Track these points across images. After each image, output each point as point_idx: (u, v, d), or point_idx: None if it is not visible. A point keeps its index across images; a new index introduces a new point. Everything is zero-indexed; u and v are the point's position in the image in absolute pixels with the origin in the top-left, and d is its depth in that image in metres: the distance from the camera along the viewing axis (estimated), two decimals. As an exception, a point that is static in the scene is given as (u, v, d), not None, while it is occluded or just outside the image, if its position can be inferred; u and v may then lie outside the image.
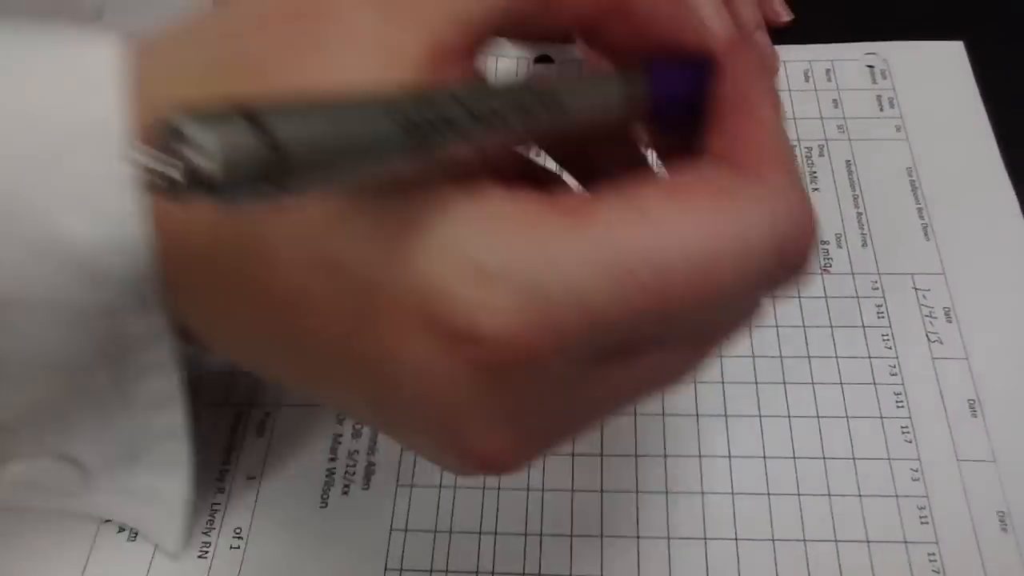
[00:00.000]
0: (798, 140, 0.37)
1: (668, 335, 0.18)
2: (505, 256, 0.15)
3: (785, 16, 0.41)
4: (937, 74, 0.39)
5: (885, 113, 0.37)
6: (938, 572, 0.27)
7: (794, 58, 0.40)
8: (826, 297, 0.33)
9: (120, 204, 0.17)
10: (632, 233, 0.16)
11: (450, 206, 0.16)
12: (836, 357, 0.31)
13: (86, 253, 0.18)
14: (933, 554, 0.27)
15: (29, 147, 0.17)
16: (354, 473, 0.29)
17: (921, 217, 0.34)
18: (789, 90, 0.39)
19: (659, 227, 0.16)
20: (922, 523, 0.28)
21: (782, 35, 0.40)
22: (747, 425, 0.30)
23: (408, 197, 0.16)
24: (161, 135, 0.10)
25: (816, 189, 0.35)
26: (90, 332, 0.19)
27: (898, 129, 0.37)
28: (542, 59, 0.40)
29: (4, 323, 0.19)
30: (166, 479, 0.25)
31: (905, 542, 0.27)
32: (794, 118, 0.38)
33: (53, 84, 0.18)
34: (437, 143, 0.14)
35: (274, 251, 0.17)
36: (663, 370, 0.19)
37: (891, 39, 0.40)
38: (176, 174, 0.10)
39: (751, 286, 0.17)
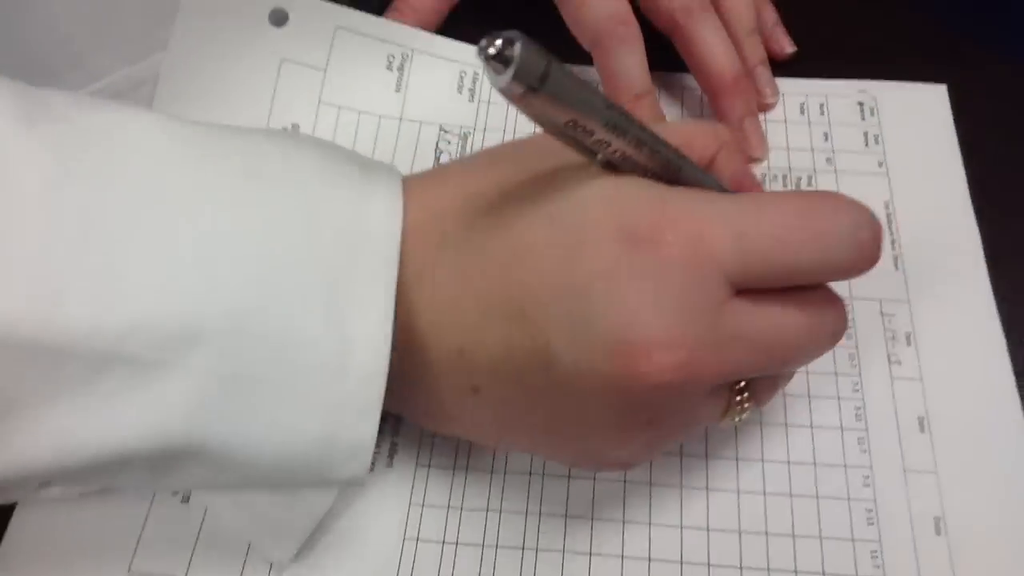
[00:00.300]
0: (790, 169, 0.41)
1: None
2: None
3: (789, 48, 0.45)
4: (920, 115, 0.42)
5: (870, 148, 0.41)
6: (879, 567, 0.31)
7: (792, 91, 0.43)
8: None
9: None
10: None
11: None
12: (807, 372, 0.36)
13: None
14: (875, 552, 0.32)
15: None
16: (379, 452, 0.34)
17: (892, 248, 0.38)
18: (786, 121, 0.42)
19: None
20: (868, 524, 0.32)
21: (783, 68, 0.44)
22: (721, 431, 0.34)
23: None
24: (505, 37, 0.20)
25: (802, 217, 0.39)
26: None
27: (880, 164, 0.41)
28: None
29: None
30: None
31: (852, 540, 0.32)
32: (787, 148, 0.42)
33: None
34: (621, 132, 0.24)
35: None
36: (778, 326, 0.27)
37: (882, 79, 0.44)
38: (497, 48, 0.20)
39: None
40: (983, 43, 0.45)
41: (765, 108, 0.43)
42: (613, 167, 0.26)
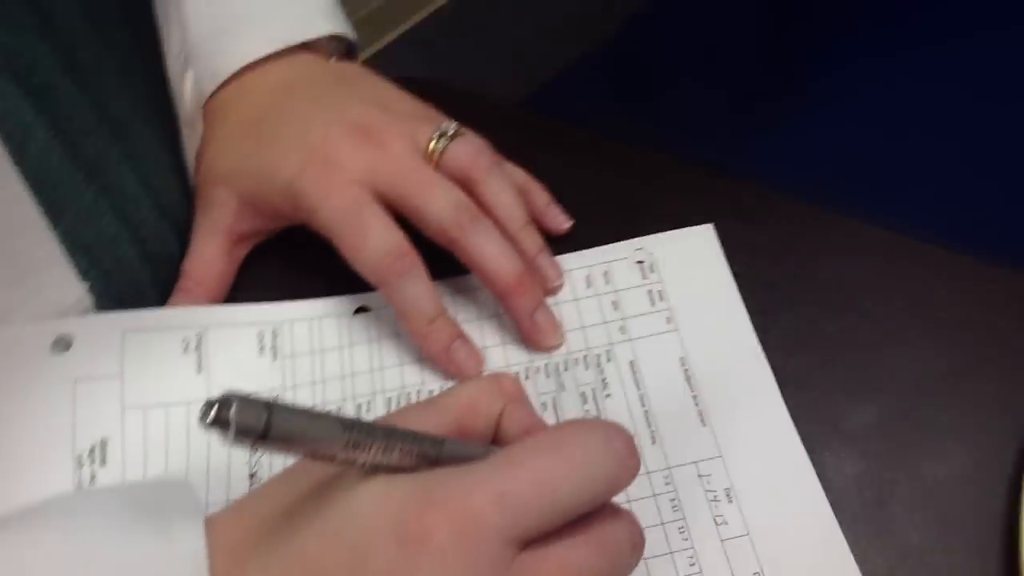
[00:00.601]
0: (587, 349, 0.43)
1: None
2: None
3: (566, 224, 0.47)
4: (694, 259, 0.45)
5: (656, 307, 0.44)
6: None
7: (575, 265, 0.45)
8: (629, 501, 0.38)
9: None
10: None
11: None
12: (645, 560, 0.37)
13: None
14: None
15: None
16: None
17: (696, 404, 0.40)
18: (576, 299, 0.44)
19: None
20: None
21: (561, 244, 0.46)
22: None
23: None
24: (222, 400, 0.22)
25: (608, 395, 0.41)
26: None
27: (668, 321, 0.43)
28: (361, 309, 0.45)
29: None
30: None
31: None
32: (582, 327, 0.43)
33: None
34: (365, 447, 0.25)
35: None
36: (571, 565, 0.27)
37: (656, 230, 0.46)
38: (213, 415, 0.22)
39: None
40: (741, 175, 0.48)
41: (553, 292, 0.45)
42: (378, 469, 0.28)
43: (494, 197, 0.43)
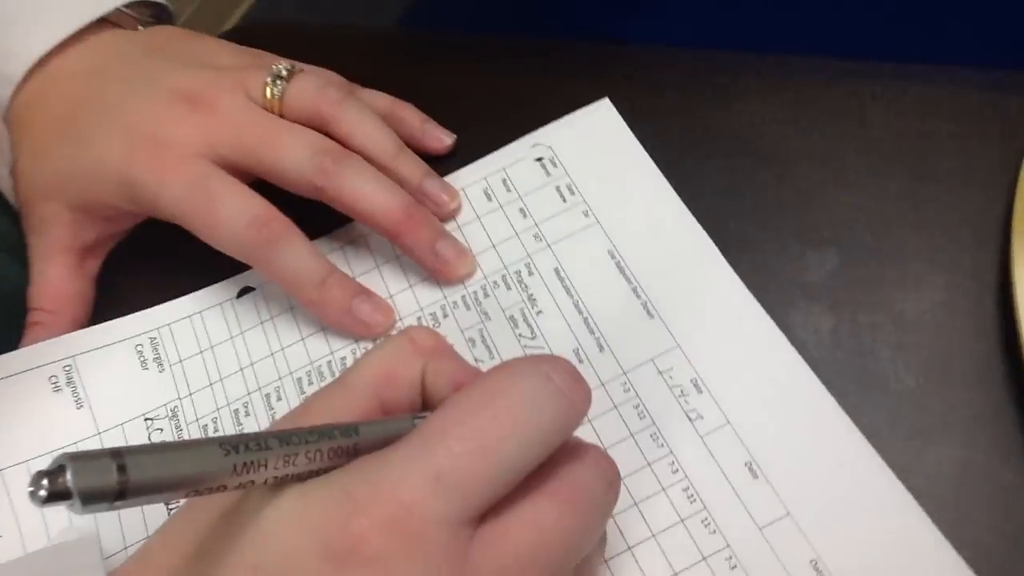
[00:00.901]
0: (505, 268, 0.38)
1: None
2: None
3: (448, 139, 0.42)
4: (598, 140, 0.40)
5: (568, 203, 0.38)
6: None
7: (469, 180, 0.40)
8: (590, 421, 0.34)
9: None
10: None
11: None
12: (622, 478, 0.32)
13: None
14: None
15: None
16: None
17: (638, 296, 0.36)
18: (478, 217, 0.39)
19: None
20: (753, 612, 0.29)
21: (453, 161, 0.41)
22: None
23: None
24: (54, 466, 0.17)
25: (540, 312, 0.36)
26: None
27: (586, 215, 0.38)
28: (245, 291, 0.40)
29: None
30: None
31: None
32: (494, 246, 0.38)
33: None
34: (259, 465, 0.21)
35: None
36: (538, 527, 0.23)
37: (552, 118, 0.41)
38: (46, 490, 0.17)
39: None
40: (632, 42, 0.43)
41: (451, 216, 0.39)
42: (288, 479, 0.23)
43: (354, 128, 0.38)
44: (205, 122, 0.36)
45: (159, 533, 0.26)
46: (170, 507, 0.34)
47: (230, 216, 0.35)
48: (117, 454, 0.18)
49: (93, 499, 0.18)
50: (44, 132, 0.39)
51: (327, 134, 0.37)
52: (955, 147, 0.36)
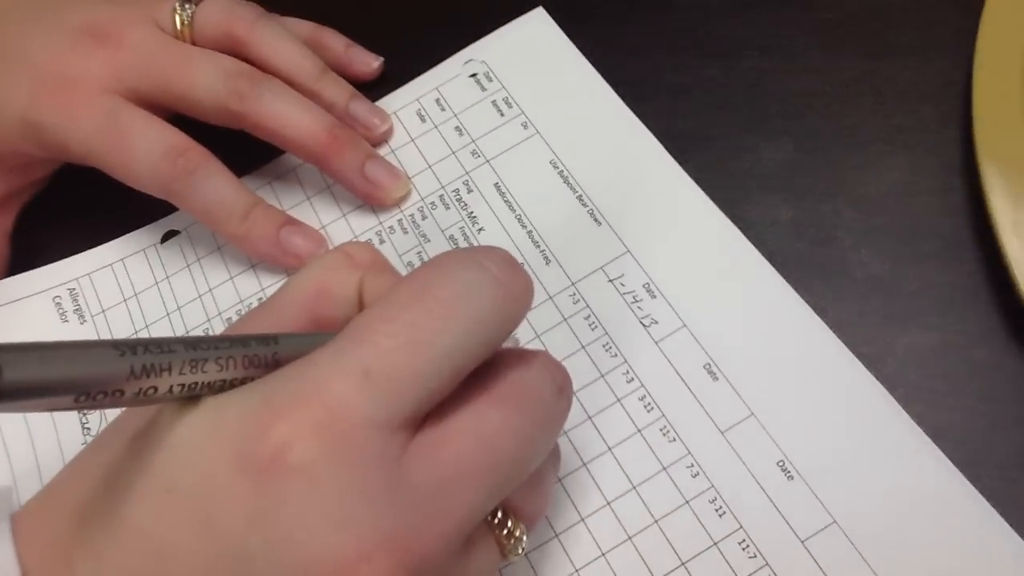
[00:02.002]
0: (443, 188, 0.35)
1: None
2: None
3: (375, 62, 0.39)
4: (534, 50, 0.38)
5: (506, 117, 0.36)
6: (748, 550, 0.26)
7: (401, 103, 0.38)
8: (538, 336, 0.31)
9: None
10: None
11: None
12: (575, 394, 0.30)
13: None
14: (744, 542, 0.27)
15: None
16: None
17: (583, 204, 0.34)
18: (412, 139, 0.37)
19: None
20: (720, 515, 0.27)
21: (378, 86, 0.38)
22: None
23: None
24: None
25: (482, 229, 0.34)
26: None
27: (525, 127, 0.36)
28: (169, 235, 0.37)
29: None
30: None
31: (709, 537, 0.27)
32: (430, 167, 0.36)
33: None
34: (162, 369, 0.18)
35: None
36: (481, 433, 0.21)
37: (484, 30, 0.38)
38: None
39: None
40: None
41: (383, 139, 0.37)
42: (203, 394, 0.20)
43: (271, 50, 0.35)
44: (112, 56, 0.34)
45: (66, 467, 0.24)
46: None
47: (144, 149, 0.33)
48: None
49: None
50: None
51: (243, 59, 0.35)
52: (908, 21, 0.34)
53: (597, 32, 0.37)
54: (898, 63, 0.34)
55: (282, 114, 0.34)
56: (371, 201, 0.35)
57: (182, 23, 0.35)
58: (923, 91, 0.33)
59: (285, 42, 0.35)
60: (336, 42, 0.39)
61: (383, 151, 0.37)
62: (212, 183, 0.33)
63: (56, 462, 0.32)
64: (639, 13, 0.38)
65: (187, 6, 0.35)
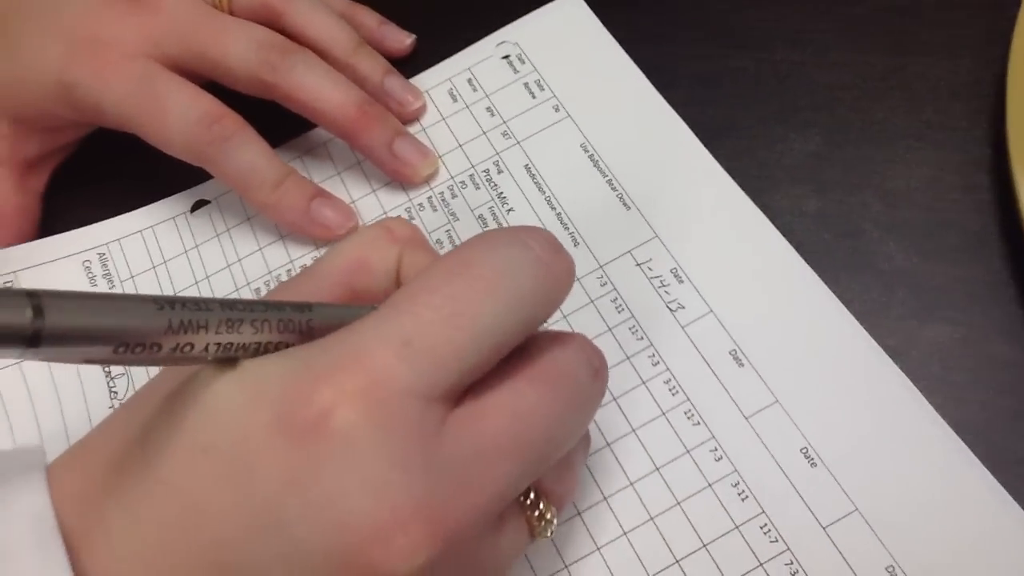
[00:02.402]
0: (473, 168, 0.36)
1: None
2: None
3: (407, 40, 0.39)
4: (567, 34, 0.38)
5: (538, 99, 0.36)
6: (769, 535, 0.27)
7: (433, 82, 0.38)
8: (565, 317, 0.32)
9: None
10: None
11: None
12: (599, 375, 0.30)
13: None
14: (766, 526, 0.27)
15: None
16: None
17: (613, 188, 0.34)
18: (444, 118, 0.37)
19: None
20: (742, 500, 0.28)
21: (411, 65, 0.38)
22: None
23: None
24: None
25: (511, 210, 0.34)
26: None
27: (556, 109, 0.36)
28: (200, 204, 0.38)
29: None
30: None
31: (733, 522, 0.27)
32: (460, 146, 0.36)
33: None
34: (199, 327, 0.18)
35: None
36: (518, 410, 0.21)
37: (517, 13, 0.39)
38: None
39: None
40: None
41: (415, 116, 0.37)
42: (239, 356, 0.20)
43: (307, 21, 0.35)
44: (147, 20, 0.34)
45: (99, 425, 0.24)
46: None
47: (179, 114, 0.33)
48: (34, 295, 0.16)
49: (3, 340, 0.16)
50: None
51: (279, 30, 0.35)
52: (940, 19, 0.34)
53: (629, 18, 0.37)
54: (928, 60, 0.34)
55: (313, 87, 0.34)
56: (398, 178, 0.35)
57: None
58: (952, 88, 0.33)
59: (321, 14, 0.36)
60: (369, 18, 0.39)
61: (414, 129, 0.37)
62: (246, 150, 0.34)
63: (84, 426, 0.33)
64: (671, 1, 0.38)
65: None
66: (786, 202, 0.32)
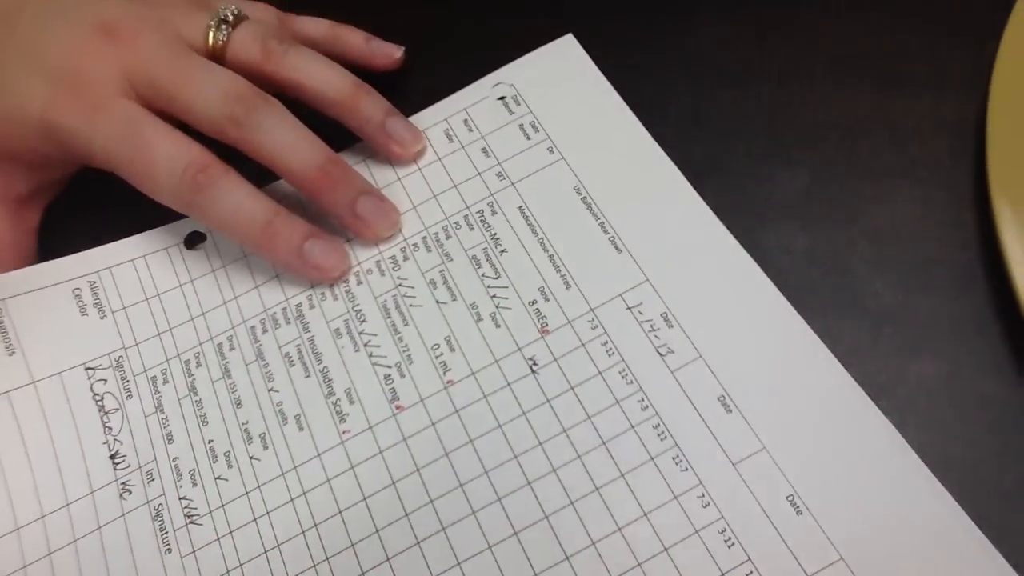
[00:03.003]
0: (467, 208, 0.36)
1: None
2: None
3: (397, 52, 0.40)
4: (561, 75, 0.38)
5: (532, 140, 0.37)
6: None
7: (430, 122, 0.38)
8: (556, 360, 0.32)
9: None
10: None
11: None
12: (589, 418, 0.31)
13: None
14: (752, 573, 0.27)
15: None
16: None
17: (605, 231, 0.34)
18: (439, 158, 0.37)
19: None
20: (728, 547, 0.28)
21: (409, 104, 0.39)
22: (533, 519, 0.29)
23: None
24: None
25: (504, 251, 0.35)
26: None
27: (550, 151, 0.36)
28: (194, 237, 0.38)
29: None
30: None
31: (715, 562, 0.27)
32: (455, 186, 0.37)
33: None
34: None
35: None
36: None
37: (512, 55, 0.39)
38: None
39: None
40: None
41: (416, 158, 0.37)
42: None
43: (303, 74, 0.36)
44: (122, 55, 0.34)
45: None
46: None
47: (164, 164, 0.33)
48: None
49: None
50: None
51: (275, 78, 0.35)
52: (923, 56, 0.35)
53: (619, 54, 0.38)
54: (912, 97, 0.35)
55: (275, 146, 0.34)
56: (361, 237, 0.36)
57: (216, 42, 0.35)
58: (937, 126, 0.34)
59: (317, 64, 0.36)
60: (355, 37, 0.40)
61: (410, 168, 0.37)
62: (231, 195, 0.34)
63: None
64: (661, 39, 0.38)
65: (224, 27, 0.35)
66: (774, 239, 0.33)
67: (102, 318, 0.36)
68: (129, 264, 0.37)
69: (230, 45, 0.35)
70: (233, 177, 0.33)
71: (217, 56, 0.35)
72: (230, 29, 0.36)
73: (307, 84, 0.36)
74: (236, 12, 0.36)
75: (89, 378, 0.35)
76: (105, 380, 0.35)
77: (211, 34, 0.35)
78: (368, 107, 0.36)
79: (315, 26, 0.39)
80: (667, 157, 0.35)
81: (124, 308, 0.36)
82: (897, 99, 0.35)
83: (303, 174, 0.34)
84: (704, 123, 0.36)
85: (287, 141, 0.34)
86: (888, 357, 0.30)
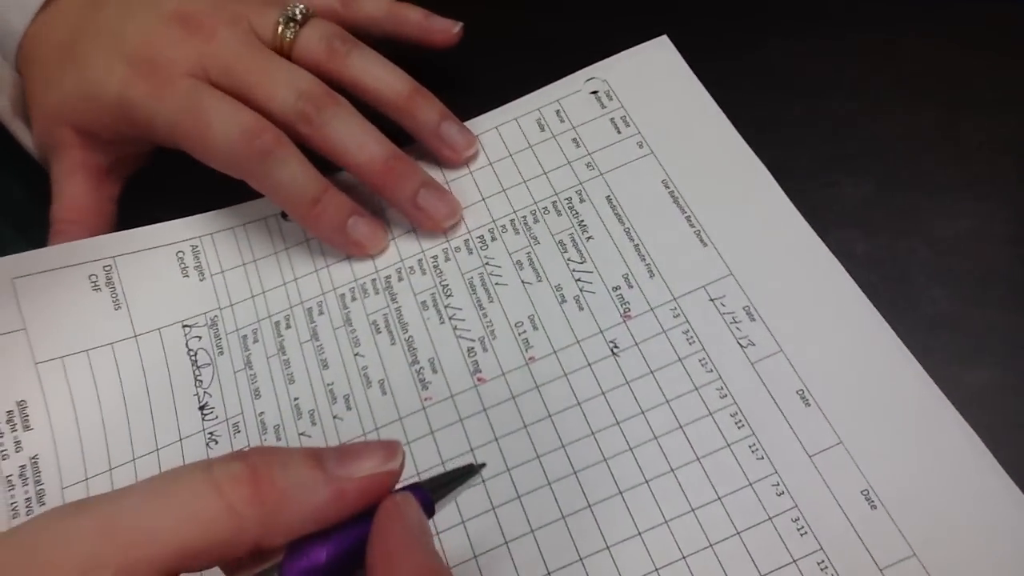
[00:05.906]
0: (556, 194, 0.37)
1: None
2: None
3: (455, 28, 0.40)
4: (655, 75, 0.39)
5: (623, 134, 0.38)
6: (827, 571, 0.27)
7: (522, 111, 0.40)
8: (636, 344, 0.33)
9: None
10: None
11: None
12: (667, 402, 0.31)
13: None
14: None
15: None
16: None
17: (691, 225, 0.35)
18: (531, 146, 0.38)
19: None
20: (801, 535, 0.28)
21: (502, 94, 0.40)
22: (607, 493, 0.30)
23: None
24: None
25: (590, 238, 0.35)
26: None
27: (640, 145, 0.37)
28: (290, 209, 0.39)
29: None
30: None
31: (792, 557, 0.28)
32: (545, 173, 0.38)
33: None
34: None
35: None
36: None
37: (607, 54, 0.40)
38: None
39: None
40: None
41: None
42: None
43: (362, 73, 0.37)
44: (200, 46, 0.36)
45: None
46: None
47: (220, 128, 0.35)
48: None
49: None
50: (49, 61, 0.39)
51: (337, 77, 0.37)
52: (993, 76, 0.36)
53: (697, 64, 0.39)
54: (977, 116, 0.35)
55: (343, 141, 0.36)
56: (421, 228, 0.37)
57: (284, 39, 0.37)
58: (1001, 144, 0.34)
59: (377, 66, 0.37)
60: (415, 14, 0.41)
61: (501, 154, 0.39)
62: (286, 167, 0.35)
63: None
64: (734, 49, 0.40)
65: (292, 25, 0.37)
66: (835, 244, 0.33)
67: (201, 280, 0.37)
68: (229, 231, 0.39)
69: (297, 43, 0.37)
70: (289, 147, 0.35)
71: (284, 52, 0.37)
72: (298, 27, 0.37)
73: (367, 84, 0.37)
74: (304, 11, 0.38)
75: (185, 334, 0.36)
76: (200, 337, 0.36)
77: (280, 31, 0.37)
78: (424, 110, 0.38)
79: (375, 5, 0.40)
80: (757, 158, 0.36)
81: (223, 271, 0.38)
82: (962, 117, 0.36)
83: (369, 168, 0.36)
84: (772, 131, 0.37)
85: (355, 137, 0.35)
86: (943, 364, 0.30)
